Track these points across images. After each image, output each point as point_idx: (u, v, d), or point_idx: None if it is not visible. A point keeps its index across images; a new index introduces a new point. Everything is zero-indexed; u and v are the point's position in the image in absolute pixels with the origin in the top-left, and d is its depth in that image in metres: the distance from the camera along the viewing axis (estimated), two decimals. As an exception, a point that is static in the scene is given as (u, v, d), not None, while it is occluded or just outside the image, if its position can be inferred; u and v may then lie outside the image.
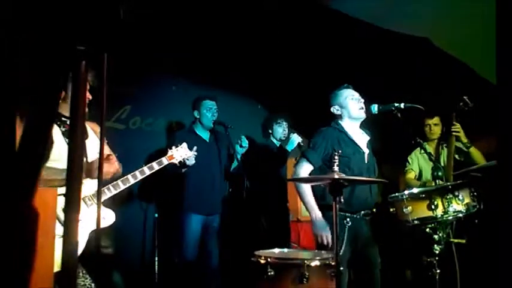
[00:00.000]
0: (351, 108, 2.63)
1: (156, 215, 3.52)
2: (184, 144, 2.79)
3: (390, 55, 3.59)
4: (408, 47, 3.39)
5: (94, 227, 2.13)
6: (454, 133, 3.28)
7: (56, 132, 2.10)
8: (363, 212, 2.51)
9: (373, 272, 2.51)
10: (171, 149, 2.73)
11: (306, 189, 2.51)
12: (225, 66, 4.14)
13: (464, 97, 3.17)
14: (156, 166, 2.52)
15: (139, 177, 2.38)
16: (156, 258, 3.43)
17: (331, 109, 2.71)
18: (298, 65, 4.08)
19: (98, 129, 2.34)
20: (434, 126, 3.56)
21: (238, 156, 3.47)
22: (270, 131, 4.00)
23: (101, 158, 1.06)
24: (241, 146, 3.50)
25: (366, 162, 2.61)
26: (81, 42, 0.87)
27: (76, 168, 0.84)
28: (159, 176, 3.18)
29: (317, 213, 2.47)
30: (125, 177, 2.35)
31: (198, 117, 3.53)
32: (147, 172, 2.44)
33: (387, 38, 3.31)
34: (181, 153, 2.75)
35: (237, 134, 4.00)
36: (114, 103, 3.74)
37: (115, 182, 2.30)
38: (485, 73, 3.53)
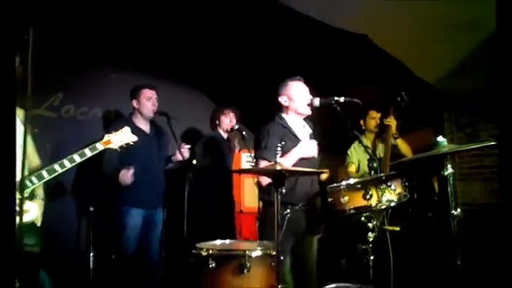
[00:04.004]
0: (300, 103, 2.63)
1: (92, 209, 3.32)
2: (127, 129, 2.52)
3: (332, 50, 3.68)
4: (348, 43, 3.50)
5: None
6: (387, 123, 3.45)
7: None
8: (301, 203, 2.54)
9: (309, 261, 2.55)
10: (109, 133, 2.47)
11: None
12: (168, 55, 4.02)
13: (402, 92, 3.35)
14: (88, 152, 2.29)
15: (68, 165, 2.18)
16: (92, 254, 3.26)
17: (279, 98, 2.68)
18: (243, 56, 4.06)
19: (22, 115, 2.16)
20: (379, 119, 3.71)
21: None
22: (217, 122, 3.96)
23: (25, 147, 0.97)
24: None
25: None
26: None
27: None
28: (95, 168, 3.04)
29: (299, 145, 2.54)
30: (50, 166, 2.15)
31: (137, 107, 3.36)
32: (78, 160, 2.22)
33: (330, 34, 3.39)
34: (122, 138, 2.47)
35: (180, 125, 3.92)
36: (45, 89, 3.47)
37: (38, 172, 2.12)
38: (419, 72, 3.75)
